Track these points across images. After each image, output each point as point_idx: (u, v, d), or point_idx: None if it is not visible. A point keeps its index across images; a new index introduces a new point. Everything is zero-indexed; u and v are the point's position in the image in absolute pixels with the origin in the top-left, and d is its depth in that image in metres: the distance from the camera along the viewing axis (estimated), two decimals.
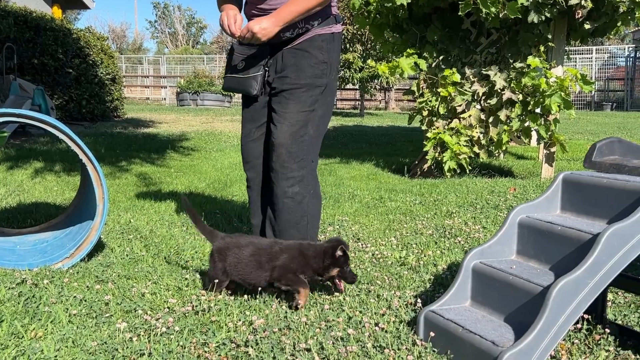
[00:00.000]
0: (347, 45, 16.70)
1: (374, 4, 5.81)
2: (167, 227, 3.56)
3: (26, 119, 2.61)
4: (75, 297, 2.32)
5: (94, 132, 9.84)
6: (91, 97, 11.85)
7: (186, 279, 2.58)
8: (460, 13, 5.38)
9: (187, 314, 2.18)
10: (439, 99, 5.65)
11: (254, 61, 2.65)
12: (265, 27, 2.49)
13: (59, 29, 11.13)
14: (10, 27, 10.08)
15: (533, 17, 5.33)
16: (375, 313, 2.20)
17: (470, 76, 5.69)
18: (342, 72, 16.99)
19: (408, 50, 5.80)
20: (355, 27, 16.28)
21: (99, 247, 3.03)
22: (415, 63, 5.76)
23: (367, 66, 16.33)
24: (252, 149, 2.77)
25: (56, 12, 14.81)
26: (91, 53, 12.02)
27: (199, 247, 3.11)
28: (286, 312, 2.19)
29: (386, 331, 2.04)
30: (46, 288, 2.42)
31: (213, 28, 68.75)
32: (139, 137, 9.56)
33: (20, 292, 2.35)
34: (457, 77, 5.56)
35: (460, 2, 5.32)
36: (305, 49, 2.62)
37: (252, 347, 1.92)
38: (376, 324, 2.10)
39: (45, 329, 2.03)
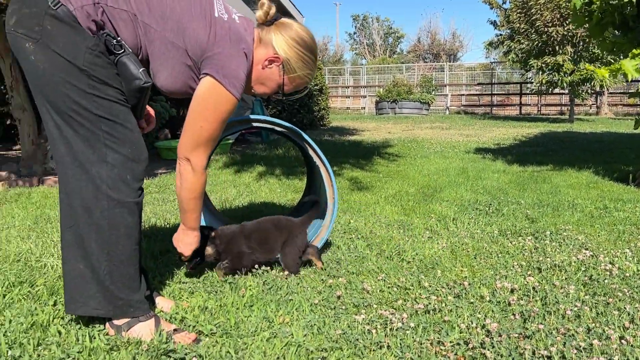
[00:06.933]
0: (557, 48, 15.81)
1: (598, 3, 5.45)
2: (385, 228, 3.67)
3: (276, 126, 2.91)
4: (313, 288, 2.49)
5: None
6: (301, 107, 12.60)
7: (410, 278, 2.64)
8: None
9: (419, 312, 2.23)
10: None
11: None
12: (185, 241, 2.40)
13: None
14: None
15: None
16: (618, 326, 2.07)
17: None
18: (550, 75, 16.13)
19: (633, 51, 5.33)
20: (565, 29, 15.39)
21: (326, 244, 3.21)
22: None
23: (579, 69, 15.29)
24: None
25: None
26: None
27: (418, 249, 3.16)
28: (524, 319, 2.15)
29: (633, 346, 1.91)
30: (285, 279, 2.63)
31: (410, 37, 69.38)
32: (345, 144, 9.96)
33: (265, 281, 2.59)
34: None
35: None
36: None
37: (488, 349, 1.91)
38: (620, 338, 1.97)
39: (292, 316, 2.20)
